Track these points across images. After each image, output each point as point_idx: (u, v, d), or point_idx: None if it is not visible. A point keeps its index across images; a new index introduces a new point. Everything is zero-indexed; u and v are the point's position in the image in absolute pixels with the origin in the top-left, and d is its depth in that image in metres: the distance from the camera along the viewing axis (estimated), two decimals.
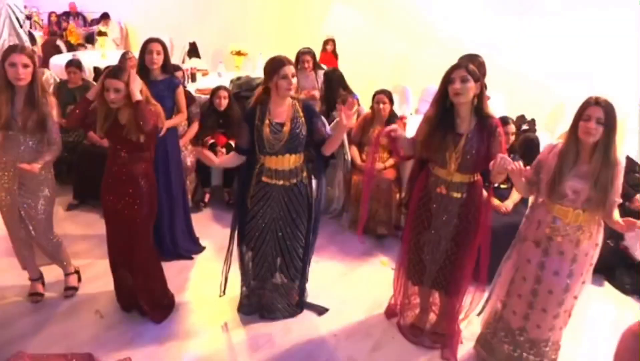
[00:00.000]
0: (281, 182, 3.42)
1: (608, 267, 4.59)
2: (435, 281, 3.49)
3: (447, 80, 3.06)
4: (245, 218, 3.55)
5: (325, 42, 8.40)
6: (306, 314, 3.92)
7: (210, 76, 7.47)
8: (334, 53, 8.43)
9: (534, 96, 6.83)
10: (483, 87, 3.11)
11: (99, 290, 3.99)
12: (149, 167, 3.49)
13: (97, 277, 4.10)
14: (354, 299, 4.10)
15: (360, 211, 4.74)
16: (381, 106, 5.06)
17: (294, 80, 3.23)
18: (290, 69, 3.20)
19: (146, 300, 3.68)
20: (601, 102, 2.80)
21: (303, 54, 6.17)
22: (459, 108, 3.07)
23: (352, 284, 4.33)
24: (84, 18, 12.59)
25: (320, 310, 3.95)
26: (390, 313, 3.90)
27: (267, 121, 3.28)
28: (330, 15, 9.11)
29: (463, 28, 7.66)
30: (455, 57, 3.71)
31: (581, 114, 2.84)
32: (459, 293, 3.45)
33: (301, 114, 3.33)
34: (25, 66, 3.32)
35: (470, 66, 3.07)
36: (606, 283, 4.66)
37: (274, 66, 3.22)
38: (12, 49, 3.37)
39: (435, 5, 8.22)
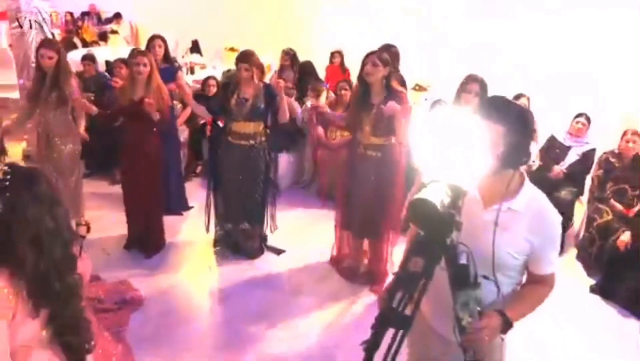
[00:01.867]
0: (242, 142, 4.48)
1: None
2: (362, 228, 4.50)
3: (363, 63, 4.09)
4: (217, 173, 4.62)
5: (332, 55, 8.14)
6: (268, 254, 4.99)
7: (207, 70, 8.51)
8: (342, 66, 8.13)
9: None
10: (391, 69, 4.13)
11: (106, 236, 5.05)
12: (157, 136, 4.71)
13: (104, 229, 5.12)
14: (310, 247, 5.09)
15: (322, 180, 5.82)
16: (342, 92, 6.08)
17: (246, 73, 4.41)
18: (243, 66, 4.38)
19: (149, 236, 4.85)
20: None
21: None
22: (372, 85, 4.10)
23: (311, 237, 5.32)
24: (99, 17, 13.64)
25: (279, 251, 5.00)
26: (333, 261, 4.85)
27: (235, 95, 4.41)
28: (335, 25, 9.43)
29: (464, 28, 7.80)
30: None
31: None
32: (382, 239, 4.45)
33: (262, 92, 4.45)
34: (50, 57, 4.49)
35: (383, 54, 4.10)
36: None
37: (237, 59, 4.43)
38: (42, 44, 4.64)
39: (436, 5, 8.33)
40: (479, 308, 1.84)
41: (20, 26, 6.47)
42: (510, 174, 1.92)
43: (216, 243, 4.96)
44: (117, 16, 12.47)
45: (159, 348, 3.72)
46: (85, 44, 11.25)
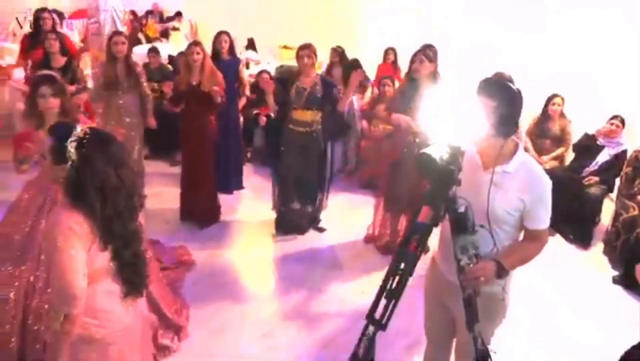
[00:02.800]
0: (301, 129, 5.02)
1: None
2: (403, 209, 4.92)
3: (411, 61, 4.59)
4: (277, 158, 5.19)
5: (386, 52, 8.50)
6: (312, 232, 5.52)
7: (261, 65, 9.06)
8: (395, 64, 8.46)
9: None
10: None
11: (166, 208, 5.67)
12: (214, 119, 5.34)
13: (164, 202, 5.75)
14: (350, 228, 5.54)
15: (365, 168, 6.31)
16: (386, 88, 6.51)
17: (307, 60, 4.93)
18: (305, 53, 4.92)
19: (202, 210, 5.44)
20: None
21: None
22: (419, 80, 4.59)
23: (351, 219, 5.76)
24: (161, 16, 14.40)
25: (321, 230, 5.51)
26: (369, 239, 5.31)
27: (295, 86, 4.96)
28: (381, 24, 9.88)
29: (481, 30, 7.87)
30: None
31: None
32: None
33: (320, 83, 4.99)
34: (123, 43, 5.21)
35: (430, 51, 4.53)
36: None
37: (299, 48, 4.99)
38: (114, 33, 5.45)
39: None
40: (475, 252, 2.26)
41: (98, 22, 7.16)
42: (502, 141, 2.31)
43: (277, 222, 5.45)
44: (178, 15, 13.15)
45: (209, 303, 4.26)
46: (149, 40, 11.96)
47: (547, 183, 2.40)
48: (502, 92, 2.30)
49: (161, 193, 5.96)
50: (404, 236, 2.39)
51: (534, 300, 4.42)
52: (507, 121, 2.28)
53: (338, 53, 7.83)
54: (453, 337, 2.85)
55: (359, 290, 4.45)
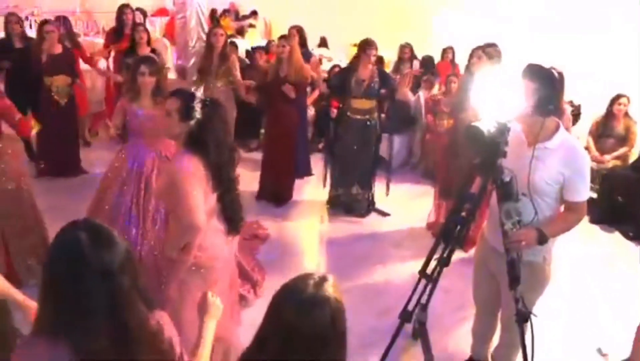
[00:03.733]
0: (359, 117, 5.40)
1: None
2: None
3: (470, 57, 4.90)
4: (334, 143, 5.63)
5: (444, 51, 8.65)
6: (375, 215, 5.89)
7: (333, 62, 9.47)
8: (452, 62, 8.57)
9: None
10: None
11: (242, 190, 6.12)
12: (297, 109, 5.91)
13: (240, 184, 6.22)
14: (412, 215, 5.88)
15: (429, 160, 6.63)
16: (452, 85, 6.78)
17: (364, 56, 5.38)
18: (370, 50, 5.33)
19: (279, 191, 5.96)
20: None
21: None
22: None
23: (413, 207, 6.07)
24: (237, 14, 15.07)
25: (384, 213, 5.88)
26: (430, 226, 5.59)
27: (354, 77, 5.34)
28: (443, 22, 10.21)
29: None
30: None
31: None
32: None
33: (377, 75, 5.38)
34: (222, 35, 5.81)
35: (488, 48, 4.84)
36: None
37: (359, 45, 5.43)
38: (215, 26, 6.16)
39: None
40: (519, 218, 2.59)
41: (185, 17, 7.77)
42: (542, 120, 2.62)
43: (330, 202, 5.94)
44: (254, 13, 13.74)
45: (281, 270, 4.66)
46: None
47: (586, 158, 2.71)
48: (542, 75, 2.60)
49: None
50: (455, 205, 2.73)
51: (593, 294, 4.64)
52: (546, 102, 2.58)
53: (407, 49, 8.16)
54: (499, 305, 3.14)
55: (417, 267, 4.76)
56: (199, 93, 2.80)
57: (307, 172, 6.83)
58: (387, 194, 5.93)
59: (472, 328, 3.47)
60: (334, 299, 1.59)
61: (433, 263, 2.94)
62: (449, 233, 2.73)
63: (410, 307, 2.87)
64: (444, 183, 5.33)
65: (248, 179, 6.18)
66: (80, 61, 6.95)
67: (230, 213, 2.86)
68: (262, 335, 1.58)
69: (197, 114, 2.66)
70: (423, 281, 3.07)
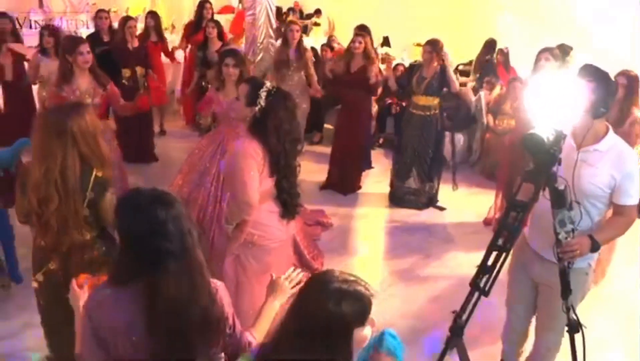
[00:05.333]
0: (420, 112, 5.63)
1: None
2: None
3: (536, 59, 4.95)
4: (396, 138, 5.84)
5: (498, 51, 8.50)
6: (431, 209, 6.07)
7: (396, 61, 9.62)
8: (505, 65, 8.29)
9: None
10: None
11: (306, 180, 6.34)
12: (370, 102, 6.22)
13: (304, 175, 6.40)
14: (469, 211, 6.03)
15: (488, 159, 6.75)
16: (516, 88, 6.84)
17: (427, 55, 5.60)
18: (426, 48, 5.58)
19: (347, 183, 6.22)
20: None
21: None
22: None
23: (471, 204, 6.22)
24: (301, 12, 15.36)
25: (442, 208, 6.05)
26: (488, 221, 5.72)
27: (417, 74, 5.57)
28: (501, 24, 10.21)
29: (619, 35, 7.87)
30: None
31: None
32: None
33: (439, 73, 5.56)
34: (298, 31, 6.12)
35: (555, 50, 4.93)
36: None
37: (424, 44, 5.67)
38: (291, 22, 6.46)
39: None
40: (573, 227, 2.52)
41: (254, 14, 8.07)
42: (595, 123, 2.63)
43: (391, 194, 6.15)
44: (318, 12, 14.01)
45: (339, 257, 5.00)
46: None
47: (636, 162, 2.71)
48: (599, 76, 2.62)
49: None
50: (504, 212, 2.73)
51: None
52: (600, 104, 2.59)
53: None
54: (533, 310, 3.11)
55: (471, 263, 4.87)
56: (269, 83, 3.01)
57: (368, 165, 7.03)
58: (455, 188, 6.19)
59: (503, 333, 3.36)
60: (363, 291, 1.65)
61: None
62: (499, 242, 2.68)
63: (459, 318, 2.80)
64: (508, 183, 5.42)
65: (312, 171, 6.54)
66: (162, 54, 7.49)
67: (287, 198, 3.04)
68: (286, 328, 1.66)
69: (262, 101, 2.89)
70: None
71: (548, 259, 2.71)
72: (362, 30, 6.67)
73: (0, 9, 15.04)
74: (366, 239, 5.47)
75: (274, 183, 3.00)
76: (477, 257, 4.79)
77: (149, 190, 1.83)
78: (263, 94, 2.90)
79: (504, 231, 2.68)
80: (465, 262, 4.89)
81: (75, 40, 4.48)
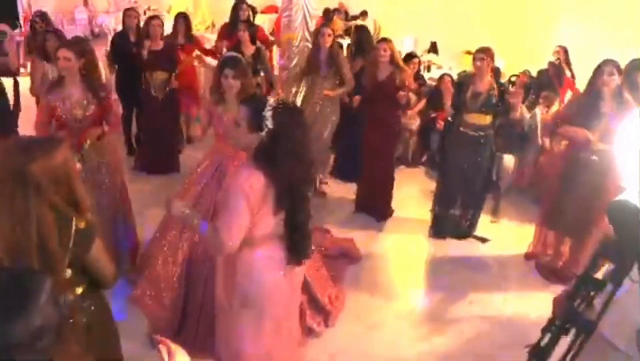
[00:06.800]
0: (472, 132, 4.92)
1: None
2: (568, 228, 4.63)
3: (598, 72, 4.31)
4: (442, 158, 5.11)
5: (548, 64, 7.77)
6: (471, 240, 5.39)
7: (443, 70, 8.94)
8: (558, 76, 7.55)
9: None
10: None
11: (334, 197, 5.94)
12: (399, 115, 5.60)
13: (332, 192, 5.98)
14: (513, 242, 5.31)
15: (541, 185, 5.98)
16: None
17: (480, 63, 4.87)
18: (479, 56, 4.87)
19: (378, 206, 5.61)
20: None
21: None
22: (604, 94, 4.31)
23: (515, 234, 5.49)
24: (346, 14, 14.81)
25: (483, 240, 5.34)
26: (530, 256, 5.02)
27: (470, 89, 4.91)
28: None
29: None
30: None
31: None
32: (586, 242, 4.52)
33: (495, 88, 4.84)
34: (330, 35, 5.58)
35: (617, 63, 4.26)
36: None
37: (475, 52, 4.98)
38: (323, 25, 6.03)
39: None
40: None
41: (290, 15, 7.53)
42: None
43: (431, 222, 5.45)
44: (363, 14, 13.41)
45: (367, 294, 4.38)
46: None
47: None
48: None
49: (331, 184, 6.23)
50: (569, 292, 2.16)
51: None
52: None
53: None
54: None
55: (514, 307, 4.36)
56: (272, 99, 2.45)
57: None
58: (497, 219, 5.57)
59: None
60: None
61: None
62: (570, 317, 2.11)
63: None
64: (552, 210, 4.76)
65: (342, 189, 6.05)
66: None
67: (294, 239, 2.50)
68: None
69: (269, 123, 2.34)
70: None
71: (624, 350, 2.15)
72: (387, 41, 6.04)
73: (47, 8, 15.20)
74: (399, 276, 4.85)
75: (281, 220, 2.46)
76: (521, 301, 4.40)
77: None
78: (268, 114, 2.34)
79: (570, 315, 2.05)
80: (509, 307, 4.39)
81: (59, 44, 3.99)
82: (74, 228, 2.08)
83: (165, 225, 3.97)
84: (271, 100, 2.43)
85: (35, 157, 1.98)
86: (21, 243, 1.95)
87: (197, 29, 12.61)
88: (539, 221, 4.94)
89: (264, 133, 2.35)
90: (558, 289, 4.54)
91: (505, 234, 5.51)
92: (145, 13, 13.75)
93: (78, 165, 2.18)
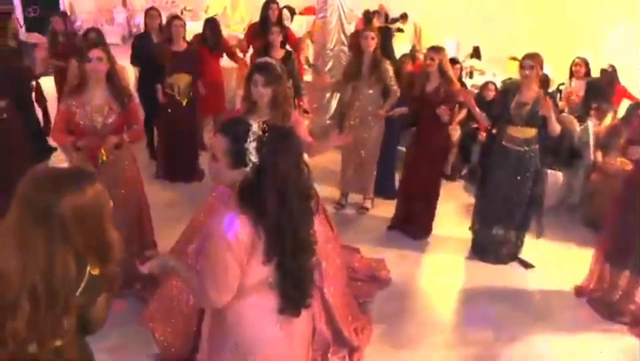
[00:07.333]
0: (516, 147, 4.50)
1: None
2: (627, 260, 4.13)
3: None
4: (482, 173, 4.75)
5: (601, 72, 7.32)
6: (516, 265, 4.91)
7: (486, 76, 8.46)
8: (610, 85, 6.96)
9: None
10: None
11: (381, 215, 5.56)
12: (446, 128, 5.16)
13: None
14: (561, 270, 4.80)
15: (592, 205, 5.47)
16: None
17: (529, 71, 4.40)
18: (527, 63, 4.41)
19: (419, 223, 5.19)
20: None
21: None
22: None
23: (564, 261, 4.98)
24: (386, 16, 14.40)
25: (528, 265, 4.86)
26: (581, 290, 4.49)
27: (515, 99, 4.46)
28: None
29: None
30: None
31: None
32: None
33: (542, 98, 4.40)
34: (373, 38, 5.13)
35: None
36: None
37: (522, 58, 4.54)
38: (366, 28, 5.48)
39: None
40: None
41: (325, 17, 7.19)
42: None
43: (471, 242, 5.04)
44: (404, 17, 13.00)
45: (395, 328, 3.96)
46: None
47: None
48: None
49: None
50: None
51: None
52: None
53: (580, 66, 6.90)
54: None
55: (566, 351, 3.87)
56: (255, 124, 1.98)
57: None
58: (539, 237, 5.00)
59: None
60: None
61: None
62: None
63: None
64: (613, 242, 4.25)
65: (379, 203, 5.72)
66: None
67: (289, 288, 2.06)
68: None
69: (252, 157, 1.93)
70: None
71: None
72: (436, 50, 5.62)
73: (88, 7, 15.26)
74: (432, 305, 4.39)
75: (273, 267, 2.03)
76: (574, 344, 3.91)
77: None
78: (252, 146, 1.92)
79: None
80: (559, 350, 3.88)
81: (88, 43, 3.68)
82: (86, 273, 1.77)
83: (184, 243, 3.66)
84: (254, 126, 1.96)
85: (63, 193, 1.67)
86: (23, 289, 1.65)
87: (235, 29, 12.42)
88: (598, 256, 4.42)
89: (248, 169, 1.95)
90: (612, 327, 4.12)
91: (551, 258, 5.02)
92: (182, 13, 13.68)
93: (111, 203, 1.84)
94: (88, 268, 1.77)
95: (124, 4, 16.31)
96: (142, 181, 4.18)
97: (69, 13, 13.56)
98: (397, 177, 5.84)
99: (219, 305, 2.03)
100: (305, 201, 2.04)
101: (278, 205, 1.92)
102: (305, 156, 2.40)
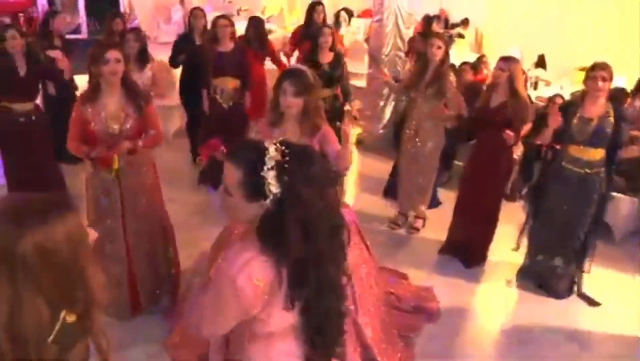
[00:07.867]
0: (576, 168, 4.04)
1: None
2: None
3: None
4: (542, 198, 4.27)
5: None
6: (578, 301, 4.38)
7: (553, 87, 7.90)
8: None
9: None
10: None
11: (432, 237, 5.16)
12: (510, 150, 4.68)
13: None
14: (626, 312, 4.27)
15: None
16: None
17: (602, 83, 3.89)
18: (600, 74, 3.89)
19: (469, 249, 4.74)
20: None
21: None
22: None
23: (629, 301, 4.45)
24: (446, 21, 13.91)
25: (592, 302, 4.34)
26: None
27: (578, 114, 3.97)
28: None
29: None
30: None
31: None
32: None
33: (611, 114, 3.91)
34: (439, 47, 4.73)
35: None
36: None
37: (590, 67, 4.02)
38: (434, 35, 5.06)
39: None
40: None
41: (381, 20, 6.83)
42: None
43: (522, 270, 4.59)
44: (465, 22, 12.52)
45: None
46: None
47: None
48: None
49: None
50: None
51: None
52: None
53: None
54: None
55: None
56: (272, 147, 1.62)
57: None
58: (588, 270, 4.39)
59: None
60: None
61: None
62: None
63: None
64: None
65: (431, 224, 5.27)
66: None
67: (314, 334, 1.76)
68: None
69: (272, 187, 1.60)
70: None
71: None
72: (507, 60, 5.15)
73: (147, 6, 15.41)
74: (482, 342, 3.94)
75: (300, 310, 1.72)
76: None
77: None
78: (270, 174, 1.59)
79: None
80: None
81: (103, 46, 3.42)
82: (60, 321, 1.48)
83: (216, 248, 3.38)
84: (271, 149, 1.62)
85: (24, 229, 1.38)
86: None
87: (291, 29, 12.21)
88: None
89: (268, 201, 1.62)
90: None
91: (623, 297, 4.48)
92: (238, 13, 13.56)
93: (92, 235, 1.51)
94: (63, 314, 1.48)
95: (182, 2, 16.36)
96: (161, 189, 3.89)
97: (127, 11, 13.71)
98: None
99: (211, 338, 1.98)
100: (334, 235, 1.71)
101: (302, 236, 1.60)
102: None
